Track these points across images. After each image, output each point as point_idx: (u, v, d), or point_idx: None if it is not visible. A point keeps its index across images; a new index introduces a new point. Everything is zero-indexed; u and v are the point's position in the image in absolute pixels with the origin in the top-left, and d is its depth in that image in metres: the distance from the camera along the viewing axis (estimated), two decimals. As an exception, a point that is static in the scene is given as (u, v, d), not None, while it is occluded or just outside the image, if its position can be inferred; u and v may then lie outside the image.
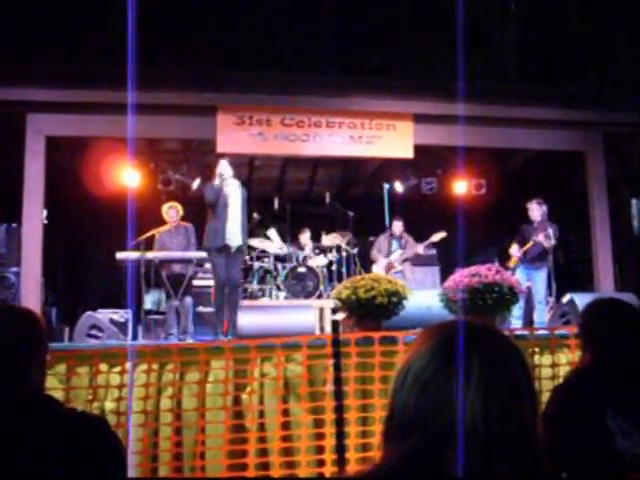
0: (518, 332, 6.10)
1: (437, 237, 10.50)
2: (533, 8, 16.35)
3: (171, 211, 9.39)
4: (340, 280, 10.69)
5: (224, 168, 8.17)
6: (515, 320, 8.51)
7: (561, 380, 3.07)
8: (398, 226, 10.65)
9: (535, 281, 9.02)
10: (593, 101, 9.69)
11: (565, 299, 7.86)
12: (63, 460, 1.84)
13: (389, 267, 10.37)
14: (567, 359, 5.63)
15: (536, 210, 9.19)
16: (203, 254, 8.35)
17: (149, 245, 8.96)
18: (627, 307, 2.87)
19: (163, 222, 9.33)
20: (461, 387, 1.29)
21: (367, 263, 11.26)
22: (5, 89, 8.30)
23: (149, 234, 8.94)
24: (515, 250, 9.13)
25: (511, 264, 9.10)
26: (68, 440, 1.88)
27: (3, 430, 1.85)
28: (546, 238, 8.89)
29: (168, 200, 9.75)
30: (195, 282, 9.52)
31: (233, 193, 8.17)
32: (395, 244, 10.64)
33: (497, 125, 9.51)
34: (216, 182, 8.08)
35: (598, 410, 2.53)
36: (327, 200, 11.97)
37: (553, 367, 5.56)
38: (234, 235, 8.02)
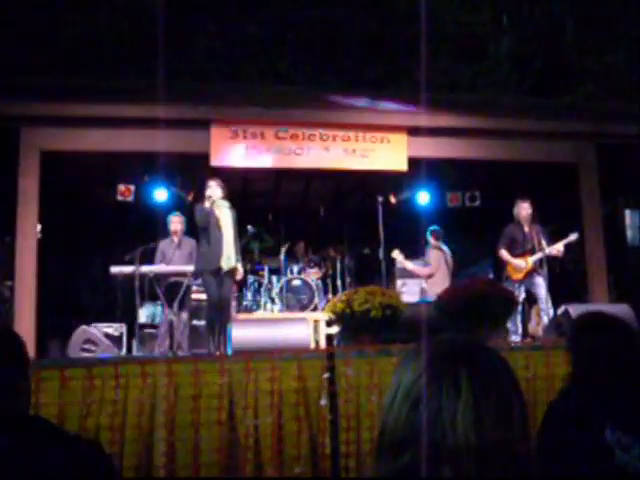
0: (513, 344, 6.10)
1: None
2: (528, 20, 16.43)
3: (176, 220, 9.36)
4: (335, 293, 10.69)
5: (213, 190, 8.14)
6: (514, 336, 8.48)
7: (556, 393, 3.06)
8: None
9: (539, 287, 8.91)
10: (587, 113, 9.72)
11: (560, 310, 7.85)
12: None
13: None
14: (562, 371, 5.62)
15: (528, 209, 9.12)
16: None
17: (148, 256, 8.94)
18: (615, 320, 2.87)
19: (158, 235, 9.31)
20: (451, 401, 1.29)
21: (361, 275, 11.27)
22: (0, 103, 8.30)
23: (146, 247, 8.93)
24: (521, 262, 8.94)
25: (520, 276, 8.95)
26: (60, 464, 1.86)
27: None
28: (555, 249, 8.84)
29: (163, 214, 9.71)
30: (191, 295, 9.49)
31: (224, 215, 8.15)
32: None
33: (491, 137, 9.53)
34: (206, 205, 8.05)
35: (596, 425, 2.52)
36: (321, 213, 11.97)
37: (548, 379, 5.55)
38: (228, 258, 8.01)
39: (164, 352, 8.36)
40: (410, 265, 10.48)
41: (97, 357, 7.35)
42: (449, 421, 1.28)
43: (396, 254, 10.22)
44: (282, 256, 11.17)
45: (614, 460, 2.47)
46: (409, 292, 10.69)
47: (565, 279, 11.19)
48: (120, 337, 9.31)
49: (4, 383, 2.02)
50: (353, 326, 6.62)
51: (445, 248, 10.40)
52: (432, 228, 10.47)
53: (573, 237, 8.91)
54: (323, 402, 5.20)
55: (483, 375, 1.34)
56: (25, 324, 7.89)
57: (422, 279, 10.55)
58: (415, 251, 10.89)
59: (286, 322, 7.94)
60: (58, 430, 2.05)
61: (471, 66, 15.77)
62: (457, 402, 1.29)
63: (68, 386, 5.16)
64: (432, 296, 9.89)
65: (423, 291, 10.53)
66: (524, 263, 8.90)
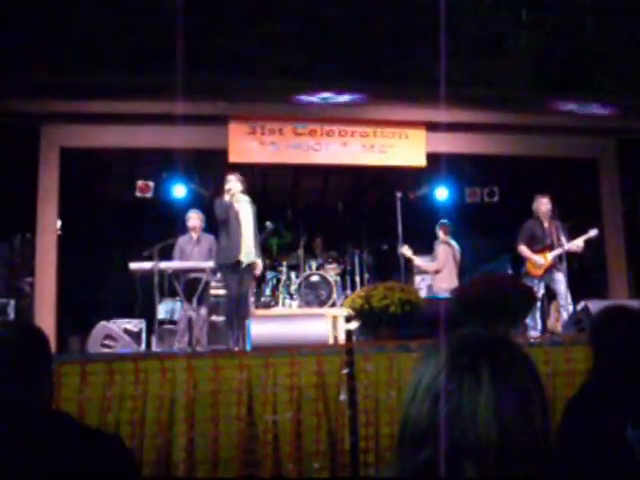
0: (532, 340, 6.07)
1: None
2: (548, 15, 16.30)
3: (194, 217, 9.36)
4: (353, 289, 10.68)
5: (233, 184, 8.13)
6: (534, 332, 8.44)
7: (576, 389, 3.03)
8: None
9: (558, 283, 8.85)
10: (607, 108, 9.65)
11: (579, 306, 7.79)
12: (76, 477, 1.84)
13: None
14: (582, 367, 5.59)
15: (548, 204, 9.04)
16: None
17: (167, 252, 8.96)
18: (638, 315, 2.83)
19: (177, 231, 9.33)
20: (472, 396, 1.29)
21: (379, 271, 11.26)
22: (20, 101, 8.35)
23: (164, 243, 8.95)
24: (541, 258, 8.87)
25: (540, 272, 8.88)
26: (81, 456, 1.88)
27: (17, 447, 1.86)
28: (575, 245, 8.78)
29: (182, 210, 9.73)
30: (210, 291, 9.50)
31: (243, 209, 8.15)
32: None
33: (510, 133, 9.49)
34: (226, 199, 8.05)
35: (616, 422, 2.50)
36: (340, 209, 11.96)
37: (568, 375, 5.52)
38: (247, 252, 8.01)
39: (183, 348, 8.39)
40: (418, 261, 10.44)
41: (117, 352, 7.39)
42: (470, 416, 1.28)
43: (405, 249, 10.18)
44: (300, 252, 11.17)
45: (634, 457, 2.44)
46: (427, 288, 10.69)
47: (584, 275, 11.13)
48: (139, 333, 9.35)
49: (28, 378, 2.03)
50: (372, 322, 6.61)
51: (453, 243, 10.36)
52: (442, 222, 10.42)
53: (593, 233, 8.84)
54: (342, 397, 5.20)
55: (504, 370, 1.34)
56: (45, 320, 7.95)
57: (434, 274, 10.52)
58: (433, 247, 10.86)
59: (305, 318, 7.93)
60: (80, 424, 2.06)
61: (490, 61, 15.69)
62: (478, 397, 1.29)
63: (88, 381, 5.18)
64: (439, 292, 9.88)
65: (430, 287, 10.51)
66: (543, 259, 8.85)
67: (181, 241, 9.27)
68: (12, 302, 9.11)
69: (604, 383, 2.70)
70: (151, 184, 10.54)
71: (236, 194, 8.10)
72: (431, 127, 9.29)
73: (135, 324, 9.28)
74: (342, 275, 11.16)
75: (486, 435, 1.27)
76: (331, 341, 7.85)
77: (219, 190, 8.39)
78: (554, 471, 1.35)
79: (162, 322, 9.54)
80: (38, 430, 1.92)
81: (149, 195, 10.56)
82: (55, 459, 1.85)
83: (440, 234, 10.37)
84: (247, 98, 9.00)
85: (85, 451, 1.91)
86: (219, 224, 8.14)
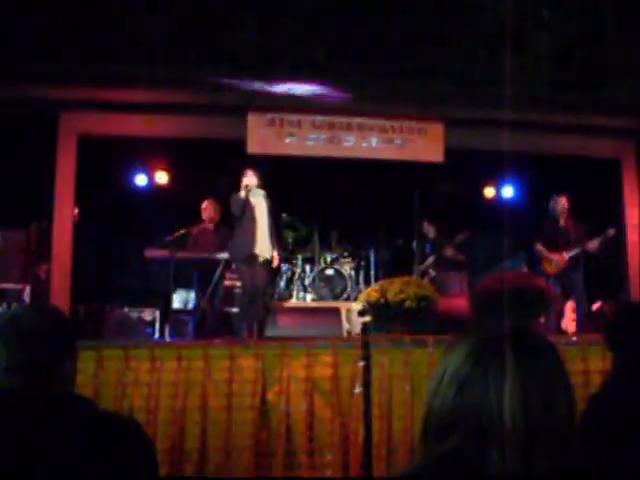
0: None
1: (461, 237, 10.45)
2: (569, 14, 16.20)
3: (210, 207, 9.36)
4: (368, 283, 10.67)
5: (250, 179, 8.16)
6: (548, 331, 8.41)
7: (592, 388, 3.02)
8: (430, 230, 10.61)
9: (574, 282, 8.81)
10: (628, 108, 9.58)
11: (595, 306, 7.76)
12: (94, 461, 1.85)
13: (423, 274, 10.34)
14: (598, 366, 5.57)
15: (565, 203, 9.01)
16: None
17: (182, 243, 8.97)
18: None
19: (194, 220, 9.34)
20: (498, 384, 1.29)
21: (393, 266, 11.24)
22: (39, 88, 8.36)
23: (180, 232, 8.96)
24: (557, 257, 8.83)
25: (555, 271, 8.84)
26: (100, 441, 1.88)
27: (37, 430, 1.86)
28: (592, 245, 8.73)
29: (199, 199, 9.72)
30: (224, 282, 9.50)
31: (259, 204, 8.18)
32: (428, 248, 10.64)
33: (530, 131, 9.42)
34: (242, 193, 8.06)
35: (635, 421, 2.48)
36: (356, 203, 11.94)
37: (584, 374, 5.50)
38: (262, 246, 8.02)
39: (197, 337, 8.40)
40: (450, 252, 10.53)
41: (133, 339, 7.42)
42: (495, 404, 1.28)
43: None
44: (316, 245, 11.17)
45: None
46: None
47: (601, 275, 11.07)
48: (153, 322, 9.37)
49: (51, 362, 2.03)
50: (387, 316, 6.61)
51: None
52: (429, 219, 10.50)
53: (611, 233, 8.80)
54: (357, 390, 5.21)
55: (529, 358, 1.34)
56: (60, 306, 7.95)
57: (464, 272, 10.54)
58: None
59: (319, 311, 7.95)
60: (99, 409, 2.06)
61: (510, 60, 15.61)
62: (503, 385, 1.29)
63: (104, 367, 5.21)
64: None
65: None
66: (560, 258, 8.82)
67: (196, 231, 9.28)
68: (28, 288, 9.15)
69: (624, 379, 2.69)
70: (168, 173, 10.57)
71: (252, 189, 8.14)
72: (449, 123, 9.24)
73: (149, 312, 9.30)
74: (357, 269, 11.14)
75: (512, 423, 1.27)
76: (344, 335, 7.86)
77: (235, 184, 8.39)
78: (578, 462, 1.34)
79: (176, 311, 9.55)
80: (60, 413, 1.92)
81: (166, 184, 10.59)
82: (74, 443, 1.86)
83: (432, 231, 10.41)
84: (266, 90, 8.98)
85: (104, 435, 1.91)
86: (234, 219, 8.16)
